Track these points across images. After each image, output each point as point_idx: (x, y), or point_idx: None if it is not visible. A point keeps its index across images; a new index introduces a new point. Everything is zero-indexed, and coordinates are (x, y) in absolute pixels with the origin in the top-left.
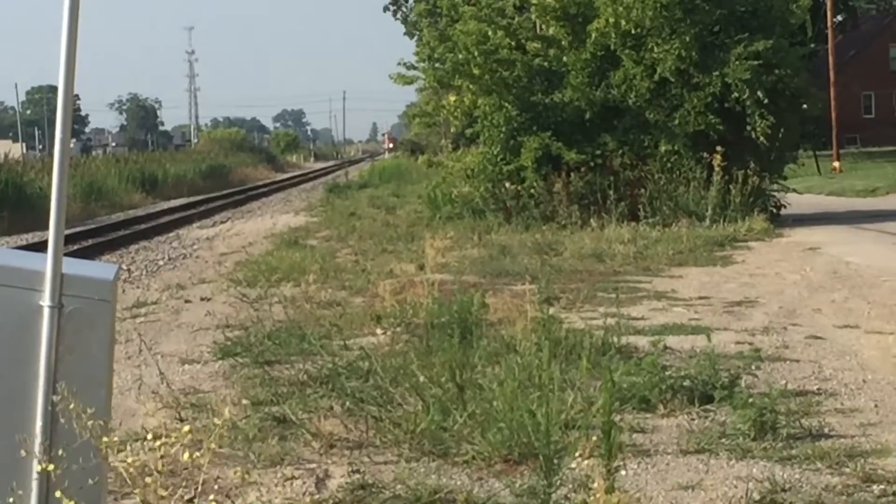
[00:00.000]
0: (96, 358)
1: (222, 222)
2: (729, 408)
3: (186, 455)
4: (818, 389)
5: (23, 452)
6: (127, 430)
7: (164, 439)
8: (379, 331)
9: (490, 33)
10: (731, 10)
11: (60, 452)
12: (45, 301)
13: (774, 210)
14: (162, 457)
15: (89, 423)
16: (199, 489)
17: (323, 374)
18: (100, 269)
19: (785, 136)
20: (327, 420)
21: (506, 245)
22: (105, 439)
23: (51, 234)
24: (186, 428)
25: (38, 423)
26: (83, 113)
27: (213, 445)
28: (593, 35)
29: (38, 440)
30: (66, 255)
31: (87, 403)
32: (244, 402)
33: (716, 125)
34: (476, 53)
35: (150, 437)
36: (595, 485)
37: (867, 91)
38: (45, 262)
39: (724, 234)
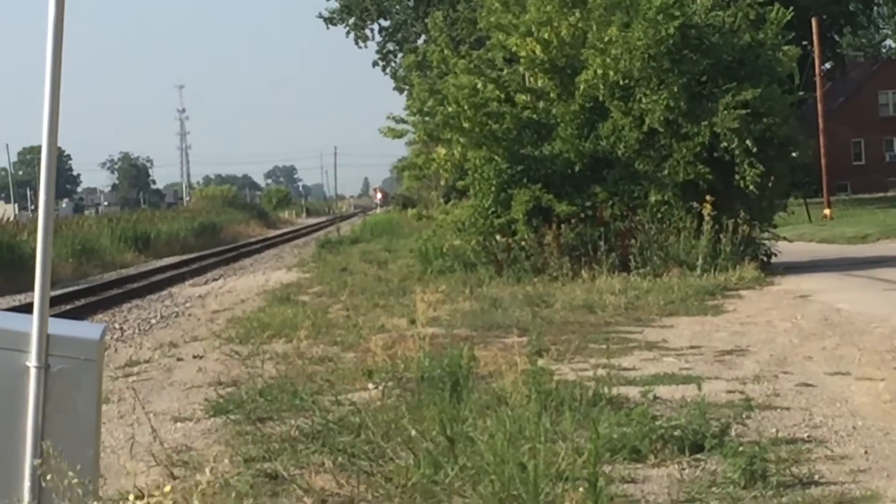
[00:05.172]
0: (83, 417)
1: (214, 280)
2: (719, 457)
3: None
4: (808, 437)
5: None
6: (118, 489)
7: (147, 499)
8: (370, 386)
9: (480, 86)
10: (718, 60)
11: None
12: (32, 362)
13: (765, 258)
14: None
15: (74, 482)
16: None
17: (315, 429)
18: (86, 329)
19: (775, 184)
20: (319, 475)
21: (497, 298)
22: None
23: (36, 296)
24: (168, 488)
25: (26, 484)
26: (75, 173)
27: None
28: (581, 87)
29: (26, 500)
30: (60, 315)
31: (74, 462)
32: (235, 458)
33: (705, 175)
34: (466, 107)
35: (130, 497)
36: None
37: (856, 138)
38: (31, 323)
39: (715, 283)
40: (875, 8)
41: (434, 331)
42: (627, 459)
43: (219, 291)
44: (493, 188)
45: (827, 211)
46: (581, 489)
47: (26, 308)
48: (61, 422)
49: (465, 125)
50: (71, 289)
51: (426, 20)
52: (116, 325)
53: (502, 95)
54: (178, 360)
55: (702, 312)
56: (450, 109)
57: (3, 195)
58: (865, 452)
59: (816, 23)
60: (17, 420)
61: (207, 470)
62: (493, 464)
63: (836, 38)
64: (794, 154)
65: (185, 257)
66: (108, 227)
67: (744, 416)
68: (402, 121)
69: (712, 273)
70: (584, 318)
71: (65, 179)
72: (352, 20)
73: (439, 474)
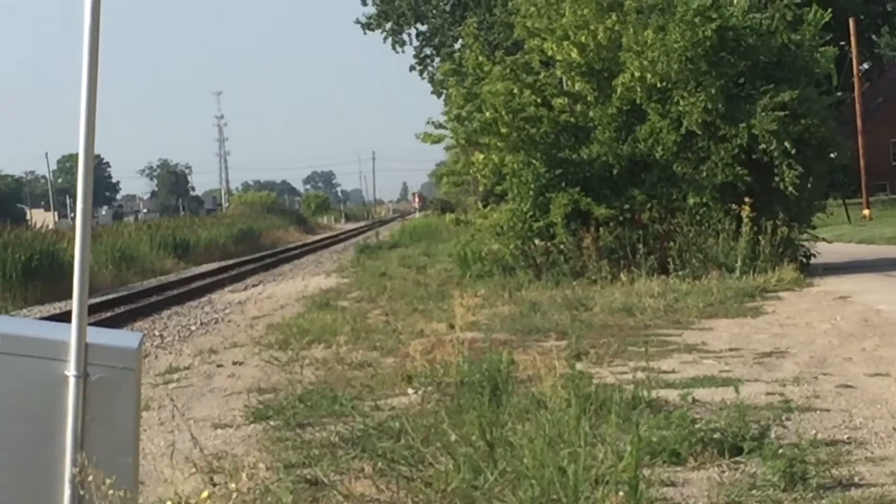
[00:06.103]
0: (122, 426)
1: (254, 286)
2: (759, 459)
3: None
4: (848, 438)
5: None
6: (159, 497)
7: None
8: (410, 390)
9: (516, 91)
10: (755, 62)
11: None
12: (70, 371)
13: (804, 260)
14: None
15: (110, 492)
16: None
17: (354, 435)
18: (124, 337)
19: (813, 185)
20: (359, 481)
21: (536, 302)
22: None
23: (74, 305)
24: (205, 494)
25: (67, 493)
26: (114, 180)
27: None
28: (619, 90)
29: None
30: (100, 322)
31: (113, 472)
32: (276, 464)
33: (743, 176)
34: (503, 112)
35: None
36: None
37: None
38: (70, 332)
39: (754, 285)
40: None
41: (473, 335)
42: (667, 462)
43: (258, 297)
44: (531, 192)
45: (866, 211)
46: (621, 493)
47: (66, 316)
48: (100, 431)
49: (503, 130)
50: (111, 296)
51: (462, 25)
52: (156, 332)
53: (539, 100)
54: (218, 366)
55: (741, 314)
56: (487, 115)
57: (42, 203)
58: None
59: (854, 23)
60: (56, 430)
61: (244, 475)
62: (533, 468)
63: (874, 38)
64: (832, 155)
65: (224, 264)
66: (148, 234)
67: (783, 417)
68: (441, 126)
69: (751, 275)
70: (622, 321)
71: (104, 187)
72: (389, 25)
73: (479, 479)
